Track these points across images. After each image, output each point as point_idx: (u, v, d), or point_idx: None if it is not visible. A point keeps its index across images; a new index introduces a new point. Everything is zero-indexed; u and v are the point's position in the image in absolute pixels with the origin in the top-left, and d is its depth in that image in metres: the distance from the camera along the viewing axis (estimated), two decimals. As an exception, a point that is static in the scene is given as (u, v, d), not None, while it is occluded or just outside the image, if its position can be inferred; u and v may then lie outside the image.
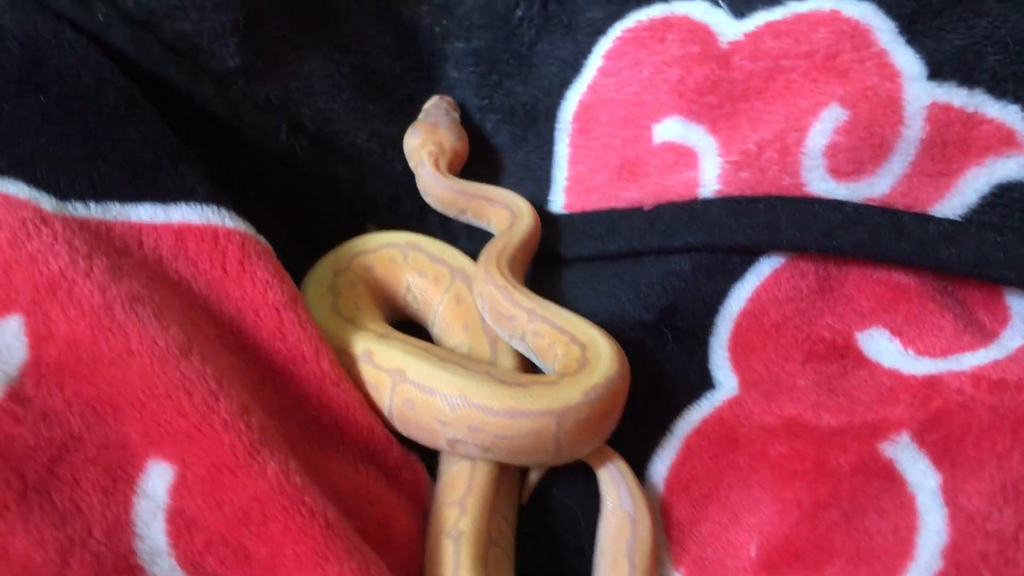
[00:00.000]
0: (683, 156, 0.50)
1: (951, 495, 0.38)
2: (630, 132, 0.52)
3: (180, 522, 0.36)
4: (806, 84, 0.47)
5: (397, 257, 0.53)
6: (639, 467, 0.46)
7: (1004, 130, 0.44)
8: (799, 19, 0.48)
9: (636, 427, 0.47)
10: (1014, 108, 0.44)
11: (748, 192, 0.47)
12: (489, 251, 0.50)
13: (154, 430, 0.37)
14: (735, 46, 0.49)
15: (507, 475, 0.46)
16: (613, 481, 0.44)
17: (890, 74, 0.46)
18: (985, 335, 0.44)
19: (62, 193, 0.42)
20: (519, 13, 0.57)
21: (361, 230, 0.56)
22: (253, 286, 0.44)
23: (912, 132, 0.45)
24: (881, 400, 0.43)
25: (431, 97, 0.58)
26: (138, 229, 0.43)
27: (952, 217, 0.45)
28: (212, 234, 0.44)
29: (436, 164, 0.54)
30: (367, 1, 0.59)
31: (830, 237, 0.45)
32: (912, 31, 0.46)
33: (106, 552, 0.35)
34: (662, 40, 0.51)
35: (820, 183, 0.46)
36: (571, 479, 0.47)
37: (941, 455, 0.39)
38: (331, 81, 0.55)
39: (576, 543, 0.47)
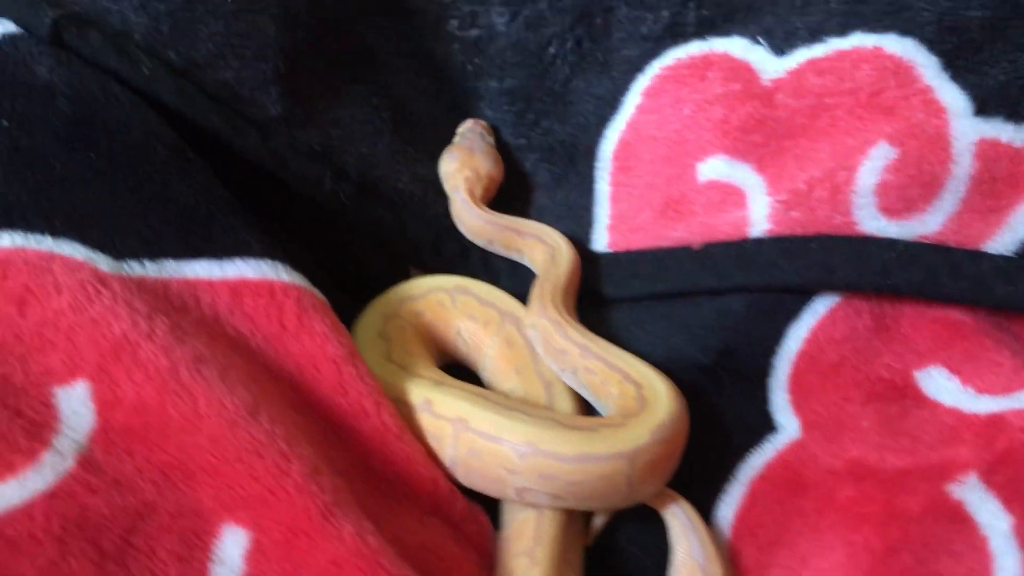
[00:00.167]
0: (730, 195, 0.50)
1: None
2: (673, 170, 0.52)
3: None
4: (852, 122, 0.47)
5: (446, 302, 0.52)
6: (703, 512, 0.46)
7: None
8: (841, 56, 0.48)
9: (697, 471, 0.46)
10: None
11: (799, 231, 0.47)
12: (542, 286, 0.50)
13: (227, 495, 0.37)
14: (778, 83, 0.50)
15: (574, 521, 0.45)
16: (684, 529, 0.44)
17: (936, 111, 0.46)
18: None
19: (117, 252, 0.41)
20: (552, 50, 0.57)
21: (403, 274, 0.55)
22: (311, 340, 0.43)
23: (961, 169, 0.45)
24: (944, 440, 0.43)
25: (465, 121, 0.58)
26: (194, 286, 0.43)
27: (1004, 253, 0.45)
28: (268, 289, 0.43)
29: (471, 192, 0.54)
30: (400, 41, 0.58)
31: (886, 276, 0.45)
32: (955, 67, 0.46)
33: (185, 621, 0.35)
34: (703, 78, 0.51)
35: (872, 221, 0.46)
36: (635, 524, 0.47)
37: (1011, 496, 0.39)
38: (371, 126, 0.55)
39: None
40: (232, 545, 0.36)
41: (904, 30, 0.47)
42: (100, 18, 0.46)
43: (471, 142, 0.56)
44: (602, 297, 0.53)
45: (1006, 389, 0.44)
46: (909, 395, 0.46)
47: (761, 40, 0.51)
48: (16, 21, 0.44)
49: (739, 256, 0.48)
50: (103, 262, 0.40)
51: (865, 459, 0.44)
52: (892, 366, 0.46)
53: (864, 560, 0.41)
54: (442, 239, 0.55)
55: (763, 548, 0.45)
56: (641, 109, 0.54)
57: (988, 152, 0.45)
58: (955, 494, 0.41)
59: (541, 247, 0.53)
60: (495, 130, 0.59)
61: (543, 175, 0.57)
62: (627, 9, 0.54)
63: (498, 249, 0.55)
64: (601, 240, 0.54)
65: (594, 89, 0.56)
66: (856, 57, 0.48)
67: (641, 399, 0.44)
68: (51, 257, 0.39)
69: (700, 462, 0.46)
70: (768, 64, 0.50)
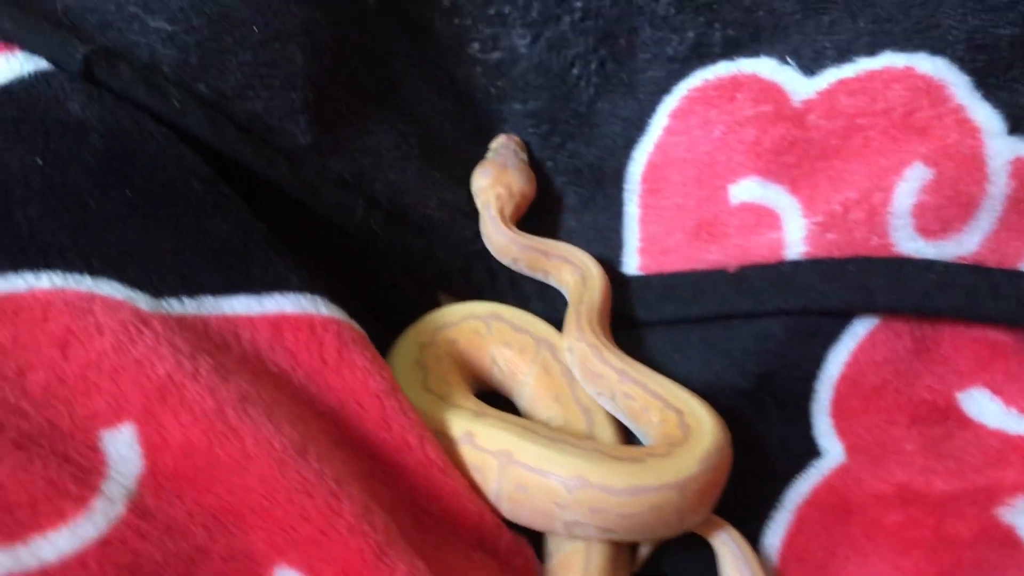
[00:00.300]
0: (764, 217, 0.50)
1: None
2: (704, 192, 0.52)
3: None
4: (885, 142, 0.47)
5: (480, 329, 0.52)
6: (750, 539, 0.46)
7: None
8: (872, 76, 0.48)
9: (742, 497, 0.46)
10: None
11: (836, 253, 0.47)
12: (577, 309, 0.50)
13: (278, 536, 0.36)
14: (809, 104, 0.50)
15: (621, 552, 0.45)
16: (733, 557, 0.44)
17: (970, 130, 0.46)
18: None
19: (156, 290, 0.41)
20: (575, 72, 0.57)
21: (431, 299, 0.55)
22: (353, 375, 0.43)
23: (997, 189, 0.45)
24: (990, 463, 0.43)
25: (498, 136, 0.58)
26: (234, 322, 0.42)
27: (1043, 273, 0.45)
28: (308, 323, 0.43)
29: (501, 211, 0.54)
30: (423, 66, 0.58)
31: (926, 298, 0.45)
32: (987, 85, 0.46)
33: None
34: (732, 99, 0.51)
35: (909, 243, 0.46)
36: (681, 552, 0.47)
37: (1062, 519, 0.39)
38: (399, 152, 0.54)
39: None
40: (286, 588, 0.36)
41: (934, 49, 0.47)
42: (129, 51, 0.45)
43: (504, 158, 0.56)
44: (634, 320, 0.52)
45: (1049, 410, 0.44)
46: (952, 417, 0.45)
47: (790, 60, 0.50)
48: (47, 58, 0.43)
49: (776, 279, 0.48)
50: (142, 301, 0.40)
51: (911, 483, 0.44)
52: (934, 388, 0.46)
53: (916, 586, 0.41)
54: (471, 264, 0.55)
55: (811, 574, 0.45)
56: (669, 131, 0.54)
57: (1023, 172, 0.45)
58: (1005, 518, 0.41)
59: (569, 268, 0.53)
60: (527, 146, 0.58)
61: (571, 197, 0.57)
62: (651, 30, 0.54)
63: (523, 269, 0.55)
64: (632, 263, 0.54)
65: (620, 111, 0.56)
66: (887, 77, 0.48)
67: (684, 426, 0.44)
68: (91, 298, 0.39)
69: (745, 488, 0.46)
70: (798, 85, 0.50)
